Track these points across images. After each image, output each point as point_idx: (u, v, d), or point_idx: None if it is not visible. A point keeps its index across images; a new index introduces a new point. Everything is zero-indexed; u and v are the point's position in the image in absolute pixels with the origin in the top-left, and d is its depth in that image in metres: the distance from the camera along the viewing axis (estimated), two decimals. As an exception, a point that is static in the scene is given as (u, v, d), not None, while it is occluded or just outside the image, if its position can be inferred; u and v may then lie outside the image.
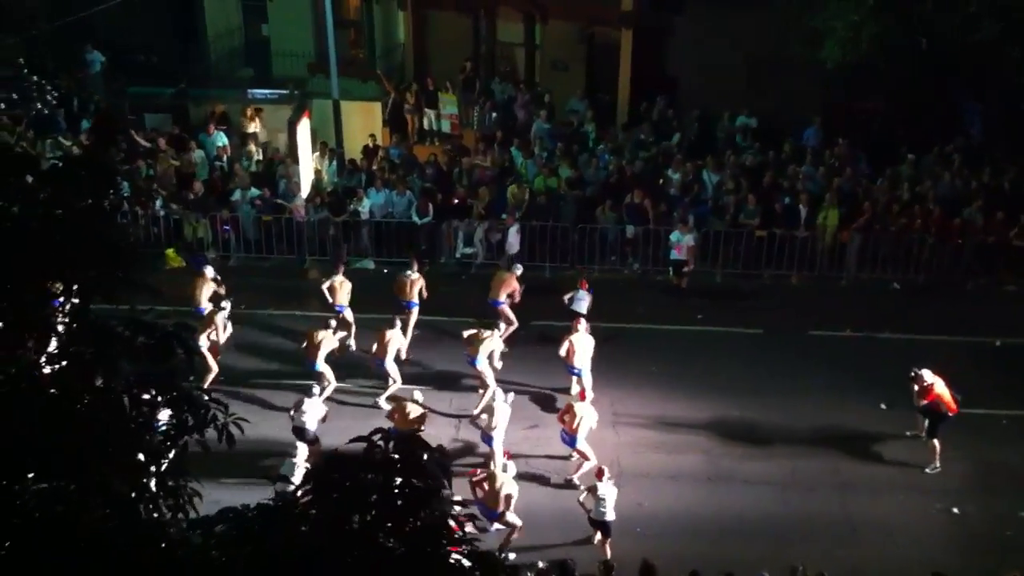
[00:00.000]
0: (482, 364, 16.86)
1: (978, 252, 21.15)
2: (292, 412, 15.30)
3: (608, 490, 13.78)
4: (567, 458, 15.66)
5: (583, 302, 18.32)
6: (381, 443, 5.56)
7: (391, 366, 17.00)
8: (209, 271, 18.67)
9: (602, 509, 13.75)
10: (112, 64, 27.05)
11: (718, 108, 24.85)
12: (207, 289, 18.37)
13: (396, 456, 5.49)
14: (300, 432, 15.05)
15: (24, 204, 5.91)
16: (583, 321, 17.20)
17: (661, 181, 22.92)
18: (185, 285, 18.07)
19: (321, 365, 16.85)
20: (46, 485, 5.38)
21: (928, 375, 15.55)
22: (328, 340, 16.92)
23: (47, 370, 5.77)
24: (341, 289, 18.51)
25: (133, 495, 5.56)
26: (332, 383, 16.96)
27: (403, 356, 17.34)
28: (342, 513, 5.33)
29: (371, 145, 24.97)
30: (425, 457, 5.56)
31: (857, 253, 21.53)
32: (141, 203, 21.82)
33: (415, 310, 18.71)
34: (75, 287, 5.71)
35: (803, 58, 22.45)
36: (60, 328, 5.67)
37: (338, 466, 5.48)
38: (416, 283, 18.72)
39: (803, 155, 23.37)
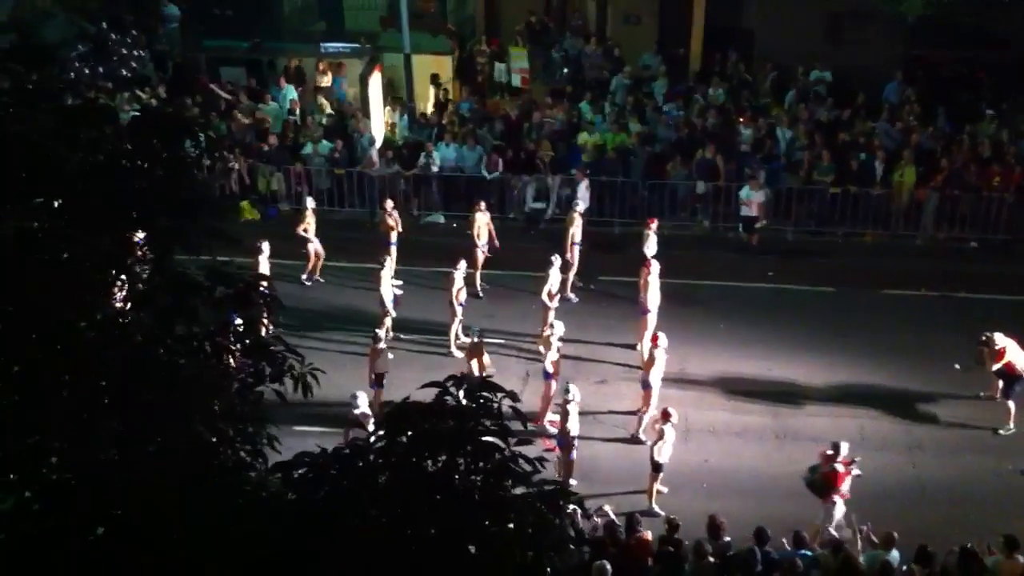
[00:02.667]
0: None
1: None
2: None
3: (668, 432, 13.85)
4: (634, 413, 15.71)
5: (650, 243, 18.33)
6: (454, 389, 5.67)
7: (456, 305, 17.33)
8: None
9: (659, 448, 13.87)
10: (189, 18, 27.37)
11: (794, 62, 24.40)
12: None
13: (469, 402, 5.60)
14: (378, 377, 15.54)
15: (106, 155, 6.06)
16: (654, 263, 17.16)
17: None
18: (258, 236, 18.30)
19: (384, 299, 17.34)
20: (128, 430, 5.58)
21: (1000, 338, 15.26)
22: (386, 275, 17.40)
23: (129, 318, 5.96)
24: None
25: (214, 440, 5.74)
26: (390, 316, 17.34)
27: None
28: (415, 458, 5.45)
29: (442, 99, 25.02)
30: (498, 401, 5.66)
31: (934, 211, 21.12)
32: (216, 156, 22.16)
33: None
34: (156, 236, 5.87)
35: (883, 11, 21.95)
36: (142, 277, 5.84)
37: (411, 413, 5.58)
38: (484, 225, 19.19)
39: (879, 110, 22.90)
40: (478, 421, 5.51)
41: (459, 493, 5.37)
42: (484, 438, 5.46)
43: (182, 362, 5.67)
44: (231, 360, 5.91)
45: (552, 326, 15.87)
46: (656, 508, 13.80)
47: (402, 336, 17.54)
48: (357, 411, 14.14)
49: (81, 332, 5.72)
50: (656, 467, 13.96)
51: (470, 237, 19.14)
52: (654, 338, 15.56)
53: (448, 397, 5.60)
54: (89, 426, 5.63)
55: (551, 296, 17.19)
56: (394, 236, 19.31)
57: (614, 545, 11.98)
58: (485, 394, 5.65)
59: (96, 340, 5.66)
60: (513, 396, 5.93)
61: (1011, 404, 15.45)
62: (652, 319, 16.91)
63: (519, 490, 5.59)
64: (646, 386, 15.37)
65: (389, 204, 19.78)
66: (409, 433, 5.48)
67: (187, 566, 5.37)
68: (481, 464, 5.45)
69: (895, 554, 11.76)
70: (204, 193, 6.28)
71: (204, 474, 5.54)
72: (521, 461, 5.57)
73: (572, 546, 11.41)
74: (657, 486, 14.11)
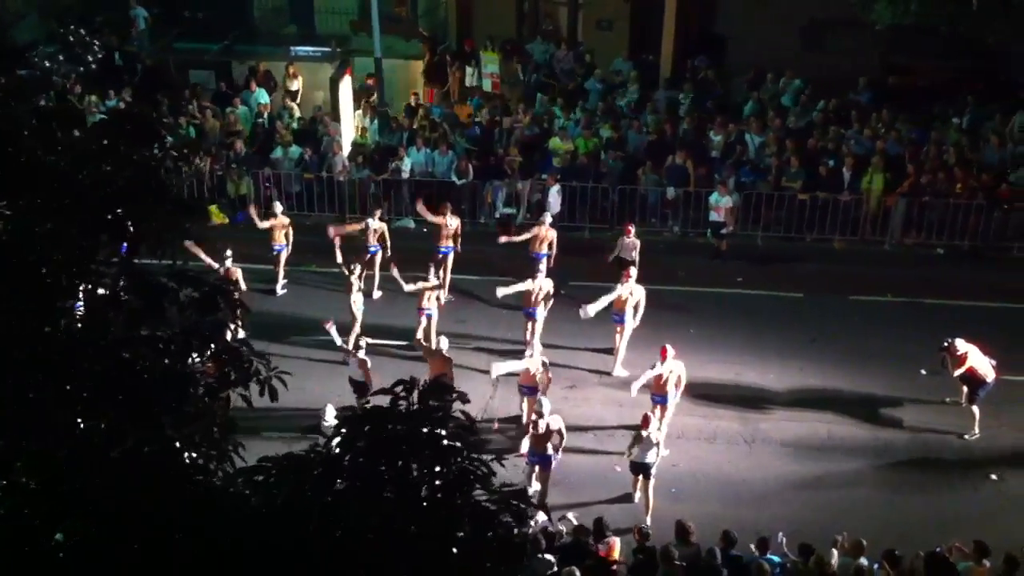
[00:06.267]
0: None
1: (1024, 218, 20.87)
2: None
3: (644, 436, 13.77)
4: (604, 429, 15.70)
5: (628, 250, 18.49)
6: (404, 394, 5.68)
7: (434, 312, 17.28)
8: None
9: (644, 452, 13.78)
10: (158, 20, 27.21)
11: (767, 68, 24.53)
12: None
13: (420, 406, 5.62)
14: (356, 385, 15.26)
15: (73, 158, 6.01)
16: (632, 271, 17.13)
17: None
18: (228, 241, 18.20)
19: (354, 306, 17.20)
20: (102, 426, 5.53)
21: (962, 344, 15.35)
22: (355, 281, 17.27)
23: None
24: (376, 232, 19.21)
25: (178, 445, 5.70)
26: (357, 325, 17.16)
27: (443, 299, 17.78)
28: (371, 462, 5.46)
29: (413, 104, 24.99)
30: (448, 404, 5.68)
31: (902, 218, 21.30)
32: (185, 157, 22.00)
33: (450, 256, 19.15)
34: (123, 239, 5.81)
35: (857, 17, 22.16)
36: (108, 279, 5.78)
37: (368, 418, 5.60)
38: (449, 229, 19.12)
39: (849, 117, 23.07)
40: (432, 424, 5.51)
41: (417, 498, 5.37)
42: (442, 442, 5.47)
43: (147, 364, 5.62)
44: (197, 363, 5.87)
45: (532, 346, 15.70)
46: (648, 521, 13.42)
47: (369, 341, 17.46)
48: (326, 424, 14.03)
49: (50, 334, 5.66)
50: (647, 473, 13.87)
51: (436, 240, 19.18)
52: (663, 351, 15.10)
53: (401, 402, 5.61)
54: (58, 428, 5.57)
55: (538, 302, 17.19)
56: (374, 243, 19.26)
57: (586, 555, 11.94)
58: (435, 400, 5.67)
59: (64, 342, 5.61)
60: (462, 396, 5.93)
61: (976, 409, 15.57)
62: (628, 326, 16.90)
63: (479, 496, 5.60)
64: (659, 401, 15.03)
65: (378, 213, 19.76)
66: (363, 438, 5.49)
67: (152, 567, 5.33)
68: (439, 469, 5.46)
69: (864, 561, 11.81)
70: (171, 195, 6.21)
71: (170, 476, 5.50)
72: (478, 464, 5.57)
73: (540, 555, 11.53)
74: (638, 493, 14.02)
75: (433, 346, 15.78)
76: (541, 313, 17.21)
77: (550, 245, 18.98)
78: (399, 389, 5.71)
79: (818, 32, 24.86)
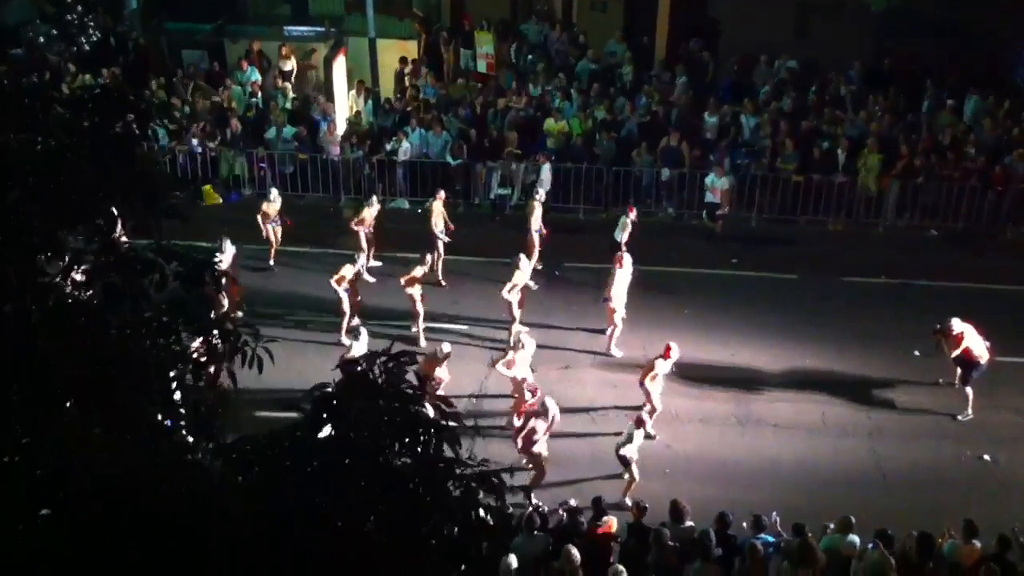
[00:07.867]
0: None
1: (1018, 200, 20.82)
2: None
3: (637, 436, 13.73)
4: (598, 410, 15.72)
5: (621, 230, 18.43)
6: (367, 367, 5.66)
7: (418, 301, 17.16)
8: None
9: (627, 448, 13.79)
10: (149, 0, 27.06)
11: (761, 52, 24.47)
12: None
13: (381, 381, 5.59)
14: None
15: (49, 136, 5.88)
16: (626, 256, 17.04)
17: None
18: (223, 222, 18.15)
19: (340, 292, 17.02)
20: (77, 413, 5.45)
21: (957, 324, 15.38)
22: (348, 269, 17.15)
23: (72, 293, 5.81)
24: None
25: (167, 424, 5.64)
26: (347, 313, 17.05)
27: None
28: (340, 437, 5.43)
29: (407, 84, 24.87)
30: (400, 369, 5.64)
31: (896, 200, 21.28)
32: (178, 134, 21.98)
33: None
34: (103, 216, 5.70)
35: (851, 2, 22.13)
36: (90, 256, 5.69)
37: (337, 394, 5.56)
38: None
39: (843, 100, 23.01)
40: (398, 397, 5.47)
41: (393, 473, 5.34)
42: (412, 415, 5.44)
43: (131, 345, 5.54)
44: (183, 340, 5.80)
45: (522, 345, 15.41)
46: (628, 501, 13.50)
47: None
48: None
49: (30, 317, 5.58)
50: (625, 463, 13.91)
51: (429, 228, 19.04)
52: (667, 350, 15.12)
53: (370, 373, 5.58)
54: (40, 415, 5.50)
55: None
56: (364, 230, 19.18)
57: (578, 535, 11.96)
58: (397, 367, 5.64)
59: (45, 324, 5.52)
60: (411, 356, 5.85)
61: (969, 390, 15.60)
62: (620, 309, 16.87)
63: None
64: (643, 386, 15.06)
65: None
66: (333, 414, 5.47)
67: (140, 557, 5.27)
68: (409, 444, 5.42)
69: (853, 538, 11.83)
70: (152, 170, 6.10)
71: (155, 460, 5.44)
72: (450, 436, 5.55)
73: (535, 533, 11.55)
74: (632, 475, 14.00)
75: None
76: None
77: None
78: (363, 361, 5.67)
79: (810, 17, 24.77)
